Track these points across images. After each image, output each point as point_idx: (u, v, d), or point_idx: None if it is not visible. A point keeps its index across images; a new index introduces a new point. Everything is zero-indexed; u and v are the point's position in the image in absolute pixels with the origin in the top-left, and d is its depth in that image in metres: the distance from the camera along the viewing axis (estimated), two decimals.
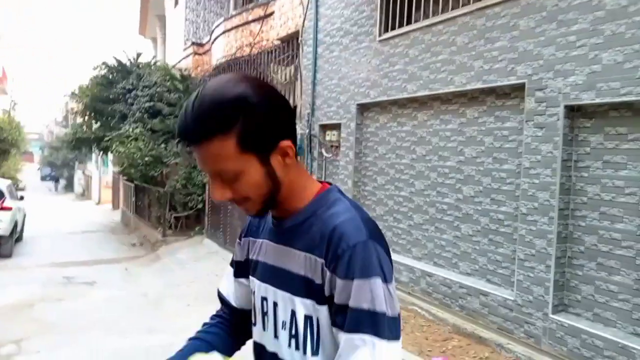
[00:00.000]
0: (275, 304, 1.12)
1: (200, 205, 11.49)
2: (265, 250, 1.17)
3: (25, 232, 12.59)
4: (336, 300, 0.98)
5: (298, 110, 8.02)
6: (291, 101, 8.43)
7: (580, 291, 4.07)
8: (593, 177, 3.98)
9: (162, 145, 12.05)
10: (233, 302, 1.30)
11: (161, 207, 11.76)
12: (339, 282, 0.97)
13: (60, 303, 6.64)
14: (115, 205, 21.36)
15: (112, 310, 6.32)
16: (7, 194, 10.37)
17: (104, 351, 4.80)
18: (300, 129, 7.65)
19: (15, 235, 10.92)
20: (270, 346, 1.14)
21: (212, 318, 1.35)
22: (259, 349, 1.19)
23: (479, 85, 4.82)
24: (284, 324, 1.09)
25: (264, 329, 1.16)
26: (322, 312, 1.02)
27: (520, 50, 4.39)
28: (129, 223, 15.73)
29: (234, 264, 1.31)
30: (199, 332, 1.31)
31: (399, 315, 0.99)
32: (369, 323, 0.94)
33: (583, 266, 4.05)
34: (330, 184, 1.14)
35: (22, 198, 12.09)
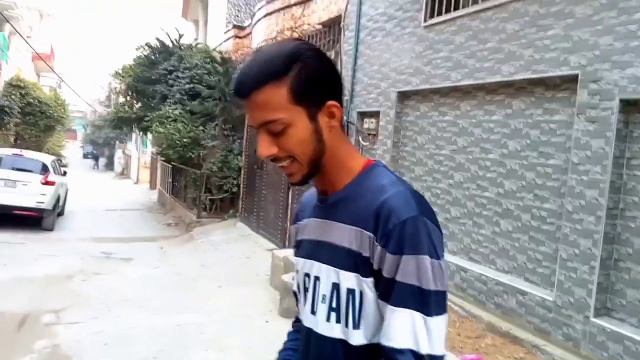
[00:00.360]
0: (317, 279, 1.10)
1: (235, 189, 11.60)
2: (310, 227, 1.17)
3: (67, 207, 13.00)
4: (385, 273, 0.98)
5: None
6: None
7: (625, 295, 3.87)
8: None
9: (200, 128, 12.19)
10: None
11: (197, 189, 11.92)
12: (389, 256, 0.97)
13: (97, 277, 6.82)
14: (152, 185, 21.86)
15: (146, 287, 6.46)
16: (51, 169, 10.70)
17: (138, 326, 4.90)
18: None
19: (58, 209, 11.28)
20: (307, 322, 1.12)
21: (294, 322, 1.35)
22: (301, 327, 1.18)
23: (528, 76, 4.61)
24: (324, 297, 1.07)
25: (304, 304, 1.15)
26: (367, 285, 1.01)
27: (575, 39, 4.17)
28: (165, 203, 16.05)
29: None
30: (288, 341, 1.33)
31: (447, 290, 1.00)
32: (415, 299, 0.95)
33: (630, 269, 3.85)
34: (375, 159, 1.13)
35: (65, 174, 12.47)
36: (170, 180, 15.52)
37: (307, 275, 1.14)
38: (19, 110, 16.07)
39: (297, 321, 1.31)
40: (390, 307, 0.96)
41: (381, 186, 1.03)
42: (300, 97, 0.99)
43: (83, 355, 4.22)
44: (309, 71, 0.99)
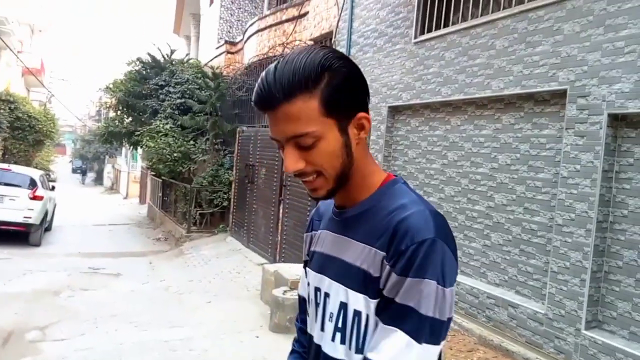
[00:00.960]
0: (327, 295, 1.06)
1: (225, 203, 11.55)
2: (323, 240, 1.13)
3: (55, 222, 12.86)
4: (385, 293, 0.93)
5: None
6: None
7: (616, 308, 3.89)
8: (636, 189, 3.81)
9: (191, 142, 12.17)
10: None
11: (187, 203, 11.86)
12: (394, 277, 0.92)
13: (85, 292, 6.72)
14: (142, 200, 21.70)
15: (135, 302, 6.37)
16: (39, 184, 10.59)
17: (126, 342, 4.81)
18: None
19: (45, 224, 11.14)
20: (316, 338, 1.09)
21: (299, 324, 1.30)
22: (309, 340, 1.15)
23: (517, 91, 4.67)
24: (331, 315, 1.04)
25: (315, 320, 1.11)
26: (373, 308, 0.96)
27: (563, 55, 4.24)
28: (155, 218, 15.93)
29: (304, 263, 1.28)
30: (296, 341, 1.29)
31: (448, 320, 0.93)
32: (409, 321, 0.90)
33: (620, 282, 3.87)
34: (395, 175, 1.08)
35: (53, 188, 12.35)
36: (160, 194, 15.43)
37: (318, 289, 1.10)
38: (8, 124, 15.95)
39: (303, 331, 1.26)
40: (382, 324, 0.92)
41: (401, 204, 0.98)
42: (331, 109, 0.94)
43: None
44: (340, 81, 0.94)
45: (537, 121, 4.64)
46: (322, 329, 1.07)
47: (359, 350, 0.98)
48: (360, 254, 0.99)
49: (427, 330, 0.90)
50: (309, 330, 1.16)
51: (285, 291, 5.28)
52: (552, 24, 4.37)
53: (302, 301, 1.27)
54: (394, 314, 0.91)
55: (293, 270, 5.77)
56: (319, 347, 1.08)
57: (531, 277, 4.61)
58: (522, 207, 4.73)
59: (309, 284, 1.16)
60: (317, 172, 0.97)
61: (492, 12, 5.11)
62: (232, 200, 11.30)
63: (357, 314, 0.98)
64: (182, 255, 10.05)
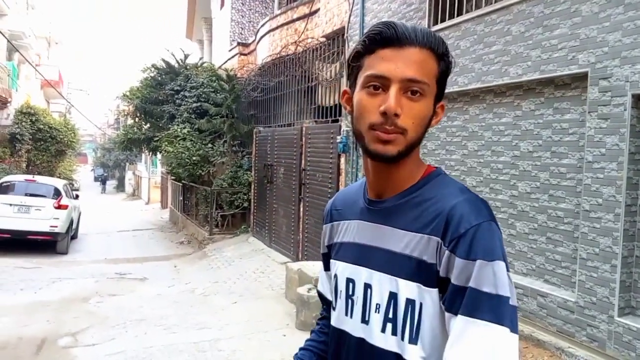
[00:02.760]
0: (368, 286, 1.04)
1: (245, 204, 11.61)
2: (355, 230, 1.10)
3: (80, 230, 13.09)
4: (454, 281, 0.90)
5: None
6: (336, 99, 8.36)
7: None
8: None
9: (209, 145, 12.25)
10: (330, 298, 1.23)
11: (208, 206, 11.95)
12: (459, 262, 0.89)
13: (113, 298, 6.83)
14: (163, 205, 21.95)
15: (162, 305, 6.45)
16: (63, 193, 10.79)
17: (156, 345, 4.87)
18: (346, 125, 7.57)
19: (71, 232, 11.35)
20: (357, 332, 1.06)
21: (318, 321, 1.32)
22: (338, 334, 1.12)
23: (536, 76, 4.58)
24: (377, 307, 1.01)
25: (346, 313, 1.09)
26: (429, 296, 0.94)
27: (582, 37, 4.15)
28: (177, 221, 16.10)
29: (322, 256, 1.27)
30: (308, 340, 1.31)
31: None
32: (490, 307, 0.86)
33: None
34: (435, 166, 1.09)
35: (77, 197, 12.57)
36: (181, 198, 15.59)
37: (351, 281, 1.08)
38: (30, 136, 16.28)
39: (322, 318, 1.28)
40: (460, 317, 0.87)
41: (449, 192, 0.99)
42: (440, 80, 0.99)
43: None
44: (449, 65, 1.01)
45: (559, 106, 4.55)
46: (366, 321, 1.04)
47: (413, 340, 0.96)
48: (410, 242, 0.97)
49: (509, 314, 0.87)
50: (336, 324, 1.12)
51: (309, 289, 5.29)
52: (569, 5, 4.27)
53: (323, 298, 1.28)
54: (471, 302, 0.87)
55: (316, 267, 5.77)
56: (361, 340, 1.04)
57: (560, 265, 4.53)
58: (547, 194, 4.65)
59: (336, 276, 1.13)
60: (402, 129, 0.95)
61: None
62: (252, 200, 11.35)
63: (410, 302, 0.96)
64: (206, 257, 10.14)
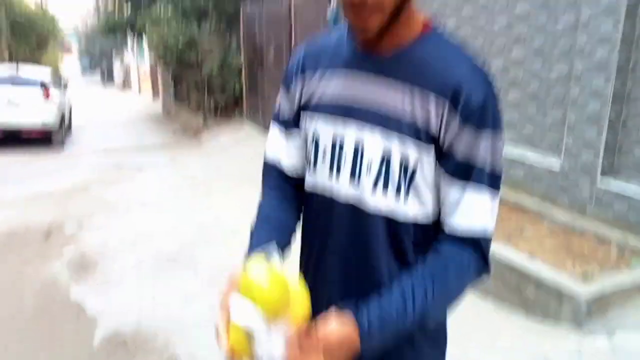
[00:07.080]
0: (358, 141, 0.96)
1: (237, 88, 11.42)
2: (343, 79, 0.99)
3: (74, 122, 13.01)
4: (459, 146, 0.92)
5: None
6: None
7: (633, 154, 3.87)
8: None
9: (195, 28, 11.72)
10: (286, 168, 1.13)
11: (200, 93, 11.75)
12: (468, 127, 0.90)
13: (113, 185, 6.98)
14: (155, 95, 21.61)
15: (162, 191, 6.62)
16: (50, 84, 10.46)
17: (161, 227, 5.09)
18: None
19: (65, 125, 11.26)
20: (345, 194, 0.99)
21: (268, 191, 1.16)
22: (319, 200, 1.04)
23: None
24: (369, 164, 0.95)
25: (331, 174, 1.00)
26: (425, 152, 0.92)
27: None
28: (170, 111, 15.97)
29: (280, 118, 1.13)
30: (259, 217, 1.12)
31: None
32: (490, 177, 0.93)
33: (639, 128, 3.80)
34: (431, 21, 0.98)
35: (66, 86, 12.22)
36: (172, 88, 15.30)
37: (339, 136, 0.98)
38: (9, 29, 15.55)
39: (271, 189, 1.14)
40: (464, 182, 0.92)
41: (455, 51, 0.94)
42: None
43: (111, 253, 4.44)
44: None
45: None
46: (354, 178, 0.97)
47: (406, 198, 0.95)
48: (410, 96, 0.92)
49: (499, 183, 0.95)
50: (314, 188, 1.04)
51: None
52: None
53: (271, 166, 1.15)
54: (478, 172, 0.92)
55: None
56: (350, 205, 0.98)
57: (548, 132, 4.56)
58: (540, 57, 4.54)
59: (316, 132, 1.02)
60: (375, 6, 0.86)
61: None
62: (244, 85, 11.14)
63: (404, 157, 0.93)
64: (201, 144, 10.22)
